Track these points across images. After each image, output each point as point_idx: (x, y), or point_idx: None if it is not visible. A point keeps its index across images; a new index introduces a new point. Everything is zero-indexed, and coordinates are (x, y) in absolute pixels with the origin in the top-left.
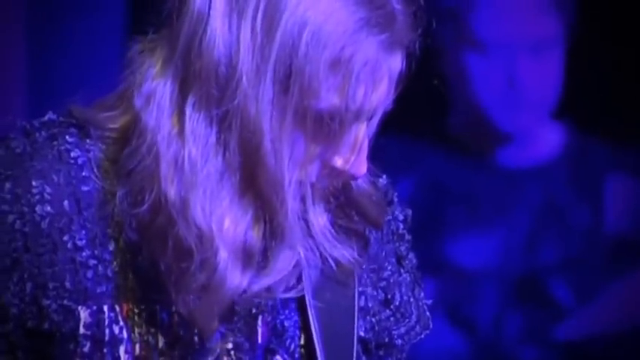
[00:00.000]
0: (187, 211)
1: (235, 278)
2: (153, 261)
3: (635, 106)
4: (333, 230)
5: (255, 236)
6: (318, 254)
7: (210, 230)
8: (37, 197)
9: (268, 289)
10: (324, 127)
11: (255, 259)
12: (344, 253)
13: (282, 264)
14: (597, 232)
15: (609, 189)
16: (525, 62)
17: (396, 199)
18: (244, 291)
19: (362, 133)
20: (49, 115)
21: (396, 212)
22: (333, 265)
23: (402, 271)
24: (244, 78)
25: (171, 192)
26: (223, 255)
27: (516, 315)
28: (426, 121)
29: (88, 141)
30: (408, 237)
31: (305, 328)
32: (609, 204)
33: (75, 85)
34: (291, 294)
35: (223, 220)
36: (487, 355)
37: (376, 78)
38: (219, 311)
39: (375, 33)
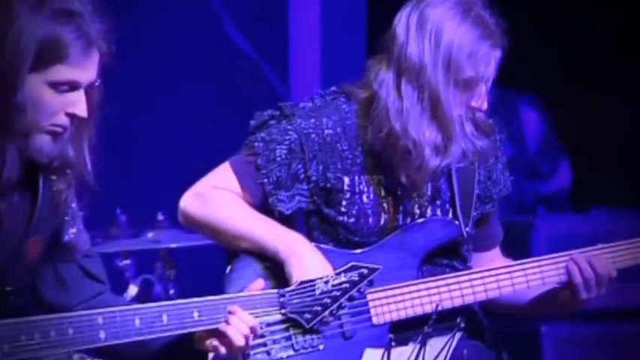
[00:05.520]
0: (407, 133)
1: (434, 162)
2: (389, 159)
3: (540, 68)
4: (476, 133)
5: (441, 142)
6: (470, 144)
7: (420, 140)
8: (325, 126)
9: (446, 165)
10: (467, 87)
11: (442, 152)
12: (481, 143)
13: (455, 151)
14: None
15: (525, 121)
16: None
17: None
18: (437, 167)
19: (484, 89)
20: (333, 88)
21: (497, 132)
22: (479, 148)
23: (497, 162)
24: (428, 68)
25: (397, 127)
26: (427, 151)
27: None
28: None
29: (350, 101)
30: (502, 147)
31: (450, 188)
32: (526, 130)
33: (340, 71)
34: (461, 164)
35: (425, 135)
36: None
37: (489, 62)
38: (425, 178)
39: (486, 40)
